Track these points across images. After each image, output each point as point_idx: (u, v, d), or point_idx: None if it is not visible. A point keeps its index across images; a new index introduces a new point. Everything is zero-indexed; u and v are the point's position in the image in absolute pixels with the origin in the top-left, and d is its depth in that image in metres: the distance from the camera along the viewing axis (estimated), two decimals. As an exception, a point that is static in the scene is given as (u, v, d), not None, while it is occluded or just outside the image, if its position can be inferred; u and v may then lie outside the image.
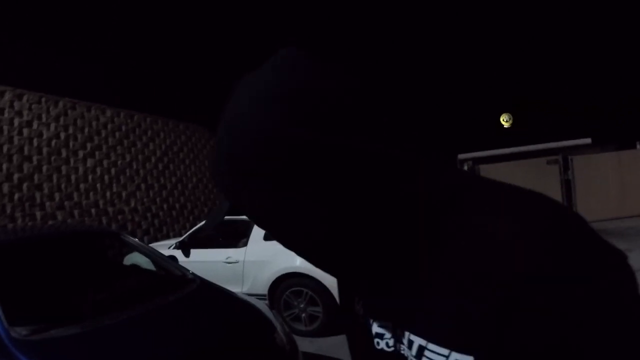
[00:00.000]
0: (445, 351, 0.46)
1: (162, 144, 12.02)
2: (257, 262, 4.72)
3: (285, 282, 4.55)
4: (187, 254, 4.76)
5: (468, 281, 0.43)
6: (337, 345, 4.12)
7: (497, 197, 0.48)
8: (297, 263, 4.54)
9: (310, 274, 4.44)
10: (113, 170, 10.30)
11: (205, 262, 4.02)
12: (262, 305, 2.94)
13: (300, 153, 0.43)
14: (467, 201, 0.47)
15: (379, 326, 0.56)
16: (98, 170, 10.00)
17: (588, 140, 12.56)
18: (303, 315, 4.44)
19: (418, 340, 0.50)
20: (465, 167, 11.67)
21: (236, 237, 5.27)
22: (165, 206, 11.59)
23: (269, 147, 0.44)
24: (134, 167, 10.82)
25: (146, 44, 11.47)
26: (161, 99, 11.73)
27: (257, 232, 4.89)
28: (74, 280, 3.04)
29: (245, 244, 4.93)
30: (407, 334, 0.51)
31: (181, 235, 9.70)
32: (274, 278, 4.56)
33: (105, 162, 10.20)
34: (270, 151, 0.44)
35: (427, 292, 0.48)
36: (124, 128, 10.72)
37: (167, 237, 10.64)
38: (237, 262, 4.78)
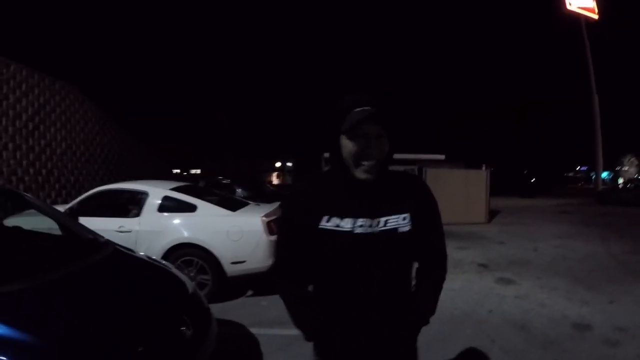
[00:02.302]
0: (397, 216, 1.32)
1: (35, 101, 11.06)
2: (150, 232, 4.96)
3: (176, 252, 4.88)
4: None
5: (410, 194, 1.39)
6: (226, 310, 4.55)
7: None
8: (189, 234, 4.93)
9: (201, 244, 4.87)
10: (-22, 124, 9.33)
11: (96, 230, 4.13)
12: (171, 266, 3.15)
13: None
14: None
15: (361, 221, 1.28)
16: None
17: (442, 157, 15.02)
18: (193, 282, 4.85)
19: (384, 218, 1.30)
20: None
21: (128, 208, 5.43)
22: (31, 170, 10.77)
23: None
24: (3, 123, 9.86)
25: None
26: (42, 51, 10.77)
27: (151, 204, 5.14)
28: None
29: (138, 214, 5.12)
30: (378, 219, 1.30)
31: (45, 204, 9.14)
32: (167, 248, 4.86)
33: (-30, 114, 9.21)
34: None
35: (390, 200, 1.34)
36: (-3, 78, 9.46)
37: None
38: (129, 231, 4.96)
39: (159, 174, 16.17)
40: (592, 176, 45.10)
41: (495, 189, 14.36)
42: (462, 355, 3.49)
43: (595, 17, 30.02)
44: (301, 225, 1.33)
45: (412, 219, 1.33)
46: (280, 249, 1.43)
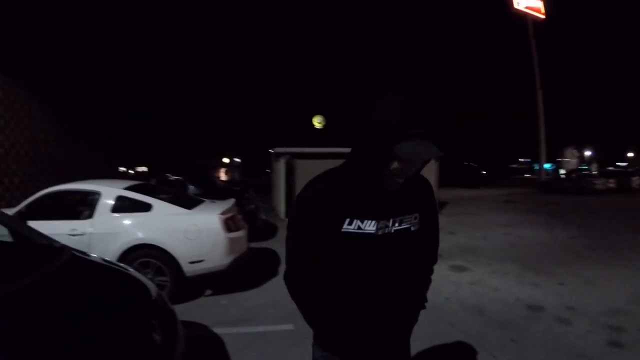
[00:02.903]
0: (410, 215, 1.38)
1: (-23, 96, 10.27)
2: (104, 234, 4.76)
3: (132, 254, 4.71)
4: (24, 225, 4.57)
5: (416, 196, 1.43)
6: (186, 311, 4.43)
7: None
8: (145, 234, 4.76)
9: (157, 244, 4.71)
10: None
11: (46, 234, 3.91)
12: (131, 270, 2.96)
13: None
14: None
15: (382, 222, 1.30)
16: None
17: None
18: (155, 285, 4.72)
19: (399, 218, 1.35)
20: (283, 160, 12.88)
21: (79, 209, 5.21)
22: (-29, 171, 10.03)
23: None
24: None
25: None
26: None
27: (104, 204, 4.92)
28: None
29: (91, 216, 4.91)
30: (395, 218, 1.34)
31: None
32: (122, 250, 4.68)
33: None
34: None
35: (404, 200, 1.36)
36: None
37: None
38: (82, 234, 4.74)
39: (107, 173, 15.55)
40: (535, 167, 47.57)
41: (443, 181, 14.80)
42: (428, 338, 3.59)
43: (542, 16, 31.59)
44: (321, 227, 1.29)
45: (421, 218, 1.40)
46: (295, 251, 1.39)
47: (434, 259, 1.60)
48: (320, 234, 1.30)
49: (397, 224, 1.34)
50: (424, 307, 1.57)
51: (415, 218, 1.38)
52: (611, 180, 23.99)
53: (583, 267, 6.07)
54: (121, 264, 3.12)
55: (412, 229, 1.37)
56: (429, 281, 1.60)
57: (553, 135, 32.69)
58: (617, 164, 50.56)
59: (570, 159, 57.25)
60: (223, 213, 5.02)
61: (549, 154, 33.25)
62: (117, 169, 26.24)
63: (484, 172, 33.99)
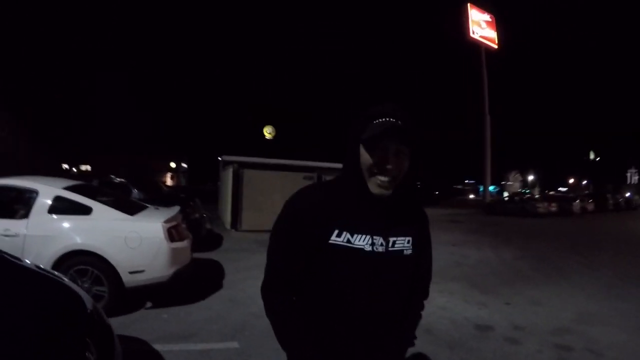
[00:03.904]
0: (403, 238, 1.28)
1: None
2: (40, 237, 4.39)
3: (70, 260, 4.38)
4: (-50, 223, 4.15)
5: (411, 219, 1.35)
6: (125, 324, 4.21)
7: None
8: (83, 240, 4.44)
9: (97, 251, 4.40)
10: None
11: None
12: (68, 281, 2.71)
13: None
14: None
15: (374, 239, 1.22)
16: None
17: (340, 165, 15.45)
18: (90, 296, 4.38)
19: (393, 238, 1.25)
20: (231, 169, 12.54)
21: (13, 208, 4.78)
22: None
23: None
24: None
25: None
26: None
27: (41, 204, 4.54)
28: None
29: (26, 216, 4.51)
30: (388, 238, 1.25)
31: None
32: (58, 255, 4.34)
33: None
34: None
35: (399, 221, 1.28)
36: None
37: None
38: (16, 235, 4.36)
39: (50, 171, 14.63)
40: (479, 189, 49.61)
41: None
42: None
43: (495, 46, 33.32)
44: (308, 237, 1.21)
45: (414, 243, 1.32)
46: (275, 260, 1.29)
47: (425, 293, 1.50)
48: (305, 244, 1.22)
49: (389, 244, 1.25)
50: (412, 345, 1.46)
51: (409, 242, 1.30)
52: (553, 204, 25.36)
53: (528, 286, 6.27)
54: (53, 272, 2.83)
55: (405, 252, 1.29)
56: (419, 317, 1.48)
57: (498, 158, 34.34)
58: (559, 188, 53.86)
59: (513, 182, 60.15)
60: (167, 221, 4.76)
61: (494, 176, 34.90)
62: (60, 165, 24.81)
63: (437, 192, 34.97)
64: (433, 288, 5.27)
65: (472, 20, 32.09)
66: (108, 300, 4.42)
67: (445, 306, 5.08)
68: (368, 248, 1.22)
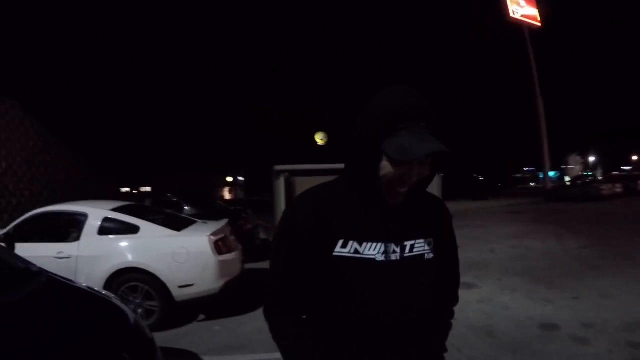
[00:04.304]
0: (423, 240, 1.11)
1: (-28, 120, 10.24)
2: (91, 258, 4.57)
3: (120, 278, 4.51)
4: (11, 248, 4.37)
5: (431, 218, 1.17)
6: (177, 337, 4.27)
7: None
8: (132, 258, 4.56)
9: (146, 268, 4.50)
10: None
11: (33, 257, 3.75)
12: (112, 296, 2.88)
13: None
14: None
15: (386, 247, 1.07)
16: None
17: None
18: (140, 310, 4.49)
19: (410, 242, 1.10)
20: (282, 178, 12.59)
21: (67, 231, 4.99)
22: (-31, 193, 9.91)
23: None
24: (-63, 145, 9.07)
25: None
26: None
27: (91, 226, 4.74)
28: None
29: (78, 239, 4.72)
30: (403, 243, 1.09)
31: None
32: (109, 273, 4.48)
33: None
34: None
35: (416, 222, 1.12)
36: None
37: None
38: (69, 257, 4.56)
39: (107, 194, 15.38)
40: (539, 176, 47.22)
41: (447, 192, 14.52)
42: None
43: (538, 24, 31.63)
44: (308, 250, 1.08)
45: (436, 245, 1.15)
46: (276, 277, 1.14)
47: (454, 299, 1.32)
48: (305, 257, 1.08)
49: (407, 250, 1.09)
50: (442, 359, 1.26)
51: (430, 244, 1.13)
52: (618, 185, 23.73)
53: (597, 278, 5.78)
54: (101, 290, 2.97)
55: (427, 256, 1.12)
56: (449, 326, 1.29)
57: (556, 142, 32.48)
58: (622, 167, 50.08)
59: (574, 166, 56.89)
60: (214, 234, 4.79)
61: (553, 161, 33.05)
62: (119, 189, 26.17)
63: (488, 183, 33.70)
64: (496, 286, 4.91)
65: (511, 0, 30.62)
66: (160, 315, 4.51)
67: (508, 305, 4.74)
68: (380, 258, 1.06)
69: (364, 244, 1.05)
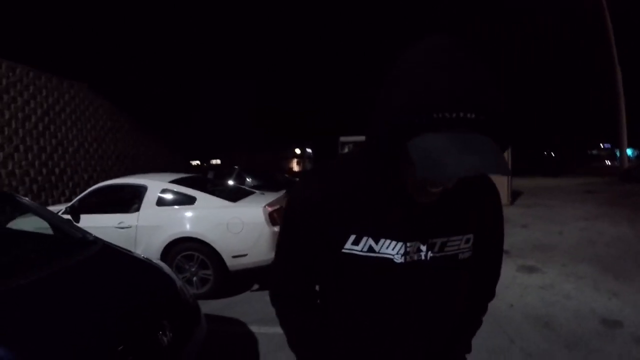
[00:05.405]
0: (459, 237, 0.92)
1: (44, 102, 11.12)
2: (149, 227, 4.80)
3: (177, 247, 4.72)
4: (77, 219, 4.70)
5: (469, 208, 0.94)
6: (229, 305, 4.43)
7: None
8: (188, 228, 4.72)
9: (201, 238, 4.66)
10: (-11, 129, 9.38)
11: (96, 227, 4.02)
12: (162, 264, 3.03)
13: None
14: None
15: (408, 245, 0.88)
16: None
17: None
18: (194, 278, 4.69)
19: (441, 240, 0.90)
20: (347, 150, 12.52)
21: (127, 203, 5.27)
22: (44, 170, 10.89)
23: None
24: (13, 126, 9.96)
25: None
26: (46, 51, 10.77)
27: (150, 198, 4.97)
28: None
29: (138, 210, 4.96)
30: (431, 241, 0.89)
31: (60, 202, 9.17)
32: (166, 243, 4.70)
33: (-20, 119, 9.25)
34: None
35: (450, 214, 0.91)
36: (4, 81, 9.71)
37: (46, 204, 9.92)
38: (129, 227, 4.82)
39: (176, 167, 16.14)
40: (616, 153, 43.64)
41: (518, 169, 13.77)
42: (480, 355, 3.18)
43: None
44: (310, 244, 0.92)
45: (475, 242, 0.95)
46: (279, 264, 1.00)
47: (491, 294, 1.13)
48: (309, 253, 0.93)
49: (436, 249, 0.89)
50: (464, 359, 1.12)
51: (468, 241, 0.93)
52: None
53: (673, 271, 5.24)
54: (151, 259, 3.11)
55: (461, 256, 0.92)
56: (480, 323, 1.13)
57: (635, 118, 29.60)
58: None
59: (654, 143, 51.89)
60: (270, 205, 4.85)
61: (631, 138, 30.25)
62: (189, 162, 27.32)
63: (558, 159, 31.72)
64: (560, 272, 4.57)
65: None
66: (213, 283, 4.70)
67: (570, 294, 4.43)
68: (399, 259, 0.88)
69: (381, 241, 0.87)
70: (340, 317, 0.97)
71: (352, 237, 0.87)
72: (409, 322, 0.92)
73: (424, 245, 0.89)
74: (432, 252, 0.89)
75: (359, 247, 0.88)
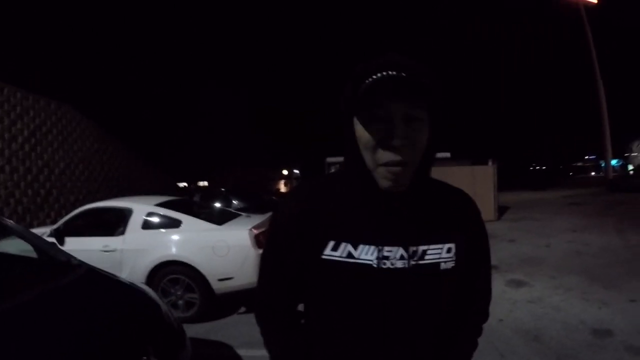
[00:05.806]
0: (439, 246, 0.93)
1: (31, 123, 11.04)
2: (134, 251, 4.74)
3: (162, 270, 4.66)
4: (61, 242, 4.63)
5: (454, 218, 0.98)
6: (215, 329, 4.37)
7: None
8: (173, 251, 4.68)
9: (187, 261, 4.61)
10: (-26, 149, 9.32)
11: (81, 250, 3.96)
12: (147, 288, 2.98)
13: None
14: None
15: (387, 250, 0.89)
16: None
17: (448, 155, 14.61)
18: (180, 302, 4.62)
19: (422, 247, 0.92)
20: (333, 170, 12.64)
21: (112, 226, 5.20)
22: (29, 192, 10.74)
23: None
24: (-1, 146, 9.81)
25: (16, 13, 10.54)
26: (35, 73, 10.75)
27: (136, 221, 4.93)
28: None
29: (123, 233, 4.90)
30: (412, 248, 0.91)
31: (45, 225, 9.03)
32: (152, 266, 4.64)
33: (-35, 140, 9.18)
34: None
35: (431, 223, 0.94)
36: (-9, 102, 9.62)
37: (31, 226, 9.75)
38: (114, 250, 4.75)
39: (164, 189, 16.02)
40: (601, 164, 44.34)
41: (504, 184, 13.90)
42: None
43: (594, 1, 29.44)
44: (293, 255, 0.94)
45: (457, 252, 0.96)
46: (264, 279, 1.03)
47: (483, 314, 1.10)
48: (293, 265, 0.95)
49: (416, 256, 0.90)
50: None
51: (450, 251, 0.94)
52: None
53: (661, 279, 5.29)
54: (137, 283, 3.05)
55: (443, 266, 0.93)
56: (475, 345, 1.10)
57: (618, 129, 30.16)
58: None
59: (637, 153, 52.86)
60: (255, 227, 4.81)
61: (616, 149, 30.83)
62: (176, 184, 27.17)
63: (545, 172, 32.19)
64: (549, 284, 4.61)
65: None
66: (199, 306, 4.64)
67: (559, 306, 4.44)
68: (382, 265, 0.89)
69: (360, 247, 0.89)
70: (323, 326, 0.97)
71: (332, 243, 0.90)
72: (390, 329, 0.91)
73: (405, 252, 0.90)
74: (412, 260, 0.90)
75: (338, 253, 0.90)
